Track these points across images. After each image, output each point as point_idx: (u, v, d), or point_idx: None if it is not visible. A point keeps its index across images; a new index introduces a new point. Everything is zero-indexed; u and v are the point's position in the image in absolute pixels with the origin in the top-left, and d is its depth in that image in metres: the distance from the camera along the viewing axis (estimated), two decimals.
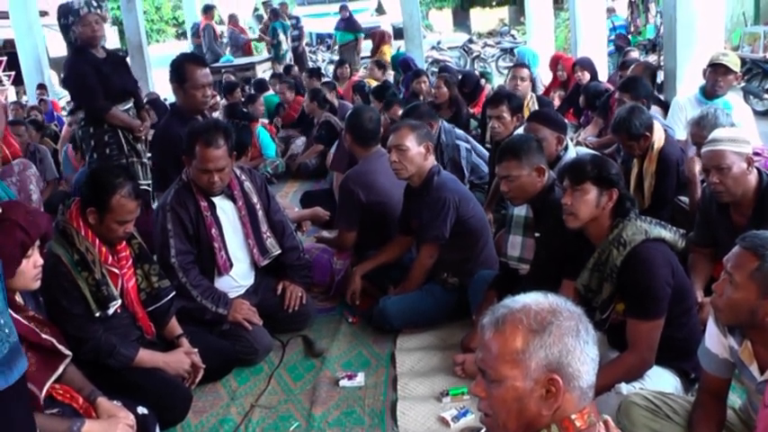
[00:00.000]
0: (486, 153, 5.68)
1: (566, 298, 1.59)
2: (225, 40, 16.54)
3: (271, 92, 10.46)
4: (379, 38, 14.13)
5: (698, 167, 3.97)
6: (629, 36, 16.52)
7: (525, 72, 6.78)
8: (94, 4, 4.94)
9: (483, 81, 9.29)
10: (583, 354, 1.51)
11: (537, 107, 6.40)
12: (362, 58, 15.82)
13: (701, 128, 4.08)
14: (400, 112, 6.18)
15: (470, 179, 5.52)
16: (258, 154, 7.97)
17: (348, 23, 15.29)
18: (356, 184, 4.42)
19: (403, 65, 11.21)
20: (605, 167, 2.87)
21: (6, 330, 1.96)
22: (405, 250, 4.42)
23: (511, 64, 14.50)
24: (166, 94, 13.87)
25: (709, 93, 5.14)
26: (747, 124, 4.98)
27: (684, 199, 4.32)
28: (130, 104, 5.19)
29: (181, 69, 4.45)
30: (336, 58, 16.51)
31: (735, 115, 4.68)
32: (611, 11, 17.62)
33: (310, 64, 16.30)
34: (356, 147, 4.60)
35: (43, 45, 13.24)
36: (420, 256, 4.03)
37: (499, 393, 1.53)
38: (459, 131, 5.86)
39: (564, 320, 1.51)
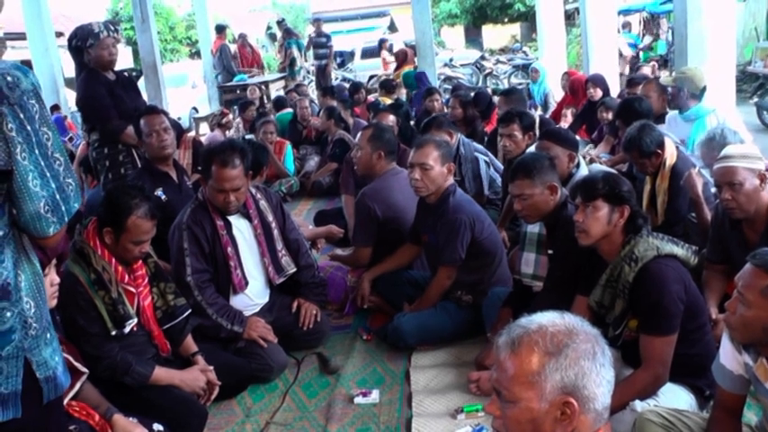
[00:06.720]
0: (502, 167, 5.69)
1: (582, 318, 1.59)
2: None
3: (287, 110, 10.51)
4: (401, 58, 14.16)
5: (699, 185, 3.97)
6: (640, 52, 16.53)
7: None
8: (112, 27, 5.02)
9: (495, 98, 9.30)
10: (599, 376, 1.50)
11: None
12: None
13: (710, 149, 4.08)
14: (391, 117, 6.24)
15: (486, 194, 5.53)
16: (274, 172, 7.97)
17: None
18: (373, 201, 4.44)
19: (417, 80, 11.30)
20: (617, 184, 2.88)
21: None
22: (413, 258, 4.45)
23: (523, 81, 14.54)
24: (180, 113, 14.02)
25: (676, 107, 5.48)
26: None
27: None
28: None
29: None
30: (349, 75, 16.59)
31: (714, 119, 4.96)
32: (626, 25, 17.67)
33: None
34: (382, 162, 4.58)
35: (59, 66, 13.33)
36: (438, 277, 4.02)
37: (514, 414, 1.53)
38: (478, 145, 5.88)
39: (580, 343, 1.51)
